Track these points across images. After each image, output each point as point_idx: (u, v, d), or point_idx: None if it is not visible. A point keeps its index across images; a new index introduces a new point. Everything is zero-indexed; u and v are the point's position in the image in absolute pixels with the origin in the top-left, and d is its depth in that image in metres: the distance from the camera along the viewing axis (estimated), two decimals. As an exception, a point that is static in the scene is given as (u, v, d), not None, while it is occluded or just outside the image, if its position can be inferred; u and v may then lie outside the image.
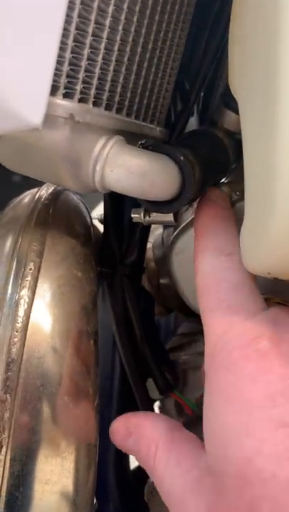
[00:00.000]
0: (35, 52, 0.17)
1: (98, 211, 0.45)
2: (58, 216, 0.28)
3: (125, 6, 0.23)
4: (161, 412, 0.39)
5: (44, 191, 0.30)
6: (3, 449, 0.22)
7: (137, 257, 0.34)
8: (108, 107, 0.24)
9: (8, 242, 0.25)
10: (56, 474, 0.23)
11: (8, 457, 0.22)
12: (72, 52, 0.20)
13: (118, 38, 0.23)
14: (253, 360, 0.19)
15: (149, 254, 0.41)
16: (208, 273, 0.23)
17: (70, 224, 0.28)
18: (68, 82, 0.20)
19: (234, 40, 0.23)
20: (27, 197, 0.29)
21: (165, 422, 0.23)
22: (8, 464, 0.22)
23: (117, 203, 0.35)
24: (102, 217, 0.42)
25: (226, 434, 0.18)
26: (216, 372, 0.20)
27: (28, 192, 0.30)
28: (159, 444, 0.22)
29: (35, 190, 0.30)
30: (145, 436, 0.22)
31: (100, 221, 0.42)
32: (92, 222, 0.35)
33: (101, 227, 0.42)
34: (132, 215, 0.27)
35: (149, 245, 0.42)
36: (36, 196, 0.29)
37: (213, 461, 0.19)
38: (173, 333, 0.48)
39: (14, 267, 0.24)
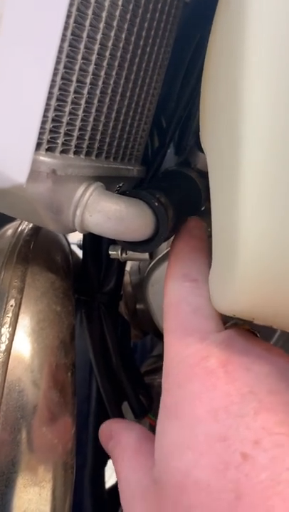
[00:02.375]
0: (21, 115, 0.19)
1: (77, 236, 0.47)
2: (39, 251, 0.29)
3: (104, 63, 0.24)
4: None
5: (25, 225, 0.31)
6: (-16, 480, 0.23)
7: (114, 285, 0.35)
8: (88, 154, 0.26)
9: (-10, 278, 0.27)
10: (34, 503, 0.24)
11: (-12, 488, 0.23)
12: (55, 110, 0.21)
13: (98, 91, 0.24)
14: (201, 378, 0.20)
15: (126, 278, 0.43)
16: (173, 296, 0.25)
17: (50, 258, 0.30)
18: (51, 137, 0.22)
19: (205, 95, 0.25)
20: (9, 230, 0.31)
21: (138, 432, 0.25)
22: (-12, 494, 0.23)
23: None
24: (81, 242, 0.43)
25: (170, 447, 0.20)
26: (168, 388, 0.21)
27: (11, 225, 0.31)
28: (127, 451, 0.23)
29: (18, 223, 0.31)
30: (120, 442, 0.24)
31: (79, 246, 0.43)
32: (71, 250, 0.36)
33: (79, 252, 0.43)
34: (110, 252, 0.28)
35: (126, 269, 0.44)
36: (18, 230, 0.30)
37: (158, 472, 0.20)
38: (150, 352, 0.50)
39: (-4, 303, 0.25)
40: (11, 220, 0.34)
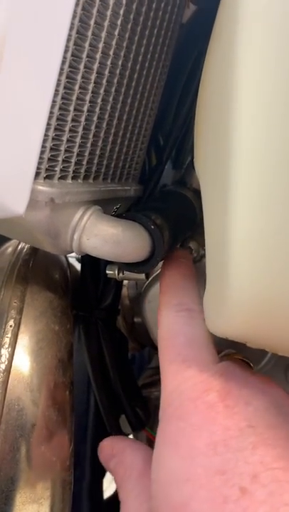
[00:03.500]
0: (20, 146, 0.19)
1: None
2: (38, 270, 0.30)
3: (101, 90, 0.25)
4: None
5: (24, 244, 0.31)
6: (-17, 499, 0.23)
7: (112, 301, 0.36)
8: (86, 177, 0.26)
9: (-10, 298, 0.27)
10: (33, 520, 0.24)
11: (-12, 506, 0.23)
12: (52, 140, 0.22)
13: (95, 118, 0.25)
14: (201, 411, 0.20)
15: (124, 292, 0.44)
16: (168, 327, 0.25)
17: (48, 276, 0.30)
18: (49, 166, 0.22)
19: (199, 123, 0.26)
20: (9, 248, 0.31)
21: (144, 453, 0.25)
22: (-12, 512, 0.23)
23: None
24: (79, 256, 0.44)
25: (168, 478, 0.20)
26: (168, 420, 0.22)
27: (10, 243, 0.32)
28: (132, 473, 0.24)
29: (17, 242, 0.32)
30: (124, 462, 0.25)
31: (78, 260, 0.44)
32: (69, 265, 0.37)
33: (77, 265, 0.44)
34: (107, 271, 0.29)
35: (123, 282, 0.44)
36: (18, 248, 0.31)
37: (155, 503, 0.21)
38: (148, 363, 0.50)
39: (-4, 323, 0.26)
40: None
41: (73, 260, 0.45)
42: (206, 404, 0.20)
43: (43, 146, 0.21)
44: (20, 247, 0.31)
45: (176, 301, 0.26)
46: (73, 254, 0.47)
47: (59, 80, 0.21)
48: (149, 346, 0.44)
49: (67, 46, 0.21)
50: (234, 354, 0.26)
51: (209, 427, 0.20)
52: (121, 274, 0.28)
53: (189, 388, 0.21)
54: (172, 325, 0.25)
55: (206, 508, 0.18)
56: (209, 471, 0.18)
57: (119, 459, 0.25)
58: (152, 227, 0.26)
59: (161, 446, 0.21)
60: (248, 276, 0.19)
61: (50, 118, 0.21)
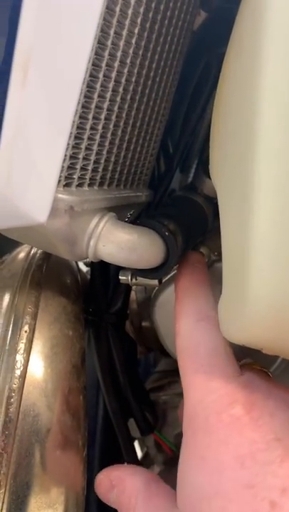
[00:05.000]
0: (43, 157, 0.20)
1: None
2: (51, 275, 0.30)
3: (118, 98, 0.25)
4: (141, 448, 0.42)
5: (37, 249, 0.32)
6: (0, 504, 0.24)
7: (121, 306, 0.36)
8: (101, 184, 0.26)
9: (5, 303, 0.27)
10: (48, 525, 0.25)
11: (4, 511, 0.24)
12: (72, 148, 0.22)
13: (111, 125, 0.25)
14: (227, 425, 0.20)
15: (132, 296, 0.44)
16: (188, 337, 0.25)
17: (61, 281, 0.30)
18: (68, 174, 0.22)
19: (215, 129, 0.26)
20: (21, 253, 0.31)
21: (144, 475, 0.25)
22: (4, 517, 0.24)
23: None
24: (88, 260, 0.44)
25: (197, 493, 0.20)
26: (193, 434, 0.21)
27: (22, 248, 0.32)
28: (138, 498, 0.23)
29: (29, 247, 0.32)
30: (126, 490, 0.24)
31: (86, 264, 0.44)
32: (79, 269, 0.37)
33: (85, 269, 0.44)
34: (120, 277, 0.29)
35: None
36: (31, 254, 0.31)
37: None
38: (154, 366, 0.51)
39: (11, 328, 0.26)
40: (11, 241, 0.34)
41: (81, 263, 0.45)
42: (232, 417, 0.20)
43: (64, 155, 0.21)
44: (32, 252, 0.31)
45: (194, 310, 0.26)
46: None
47: (80, 90, 0.21)
48: (156, 350, 0.44)
49: (89, 58, 0.21)
50: (252, 364, 0.26)
51: (235, 440, 0.20)
52: (134, 280, 0.29)
53: (214, 401, 0.21)
54: (192, 334, 0.25)
55: None
56: (238, 485, 0.18)
57: (120, 488, 0.25)
58: (166, 233, 0.26)
59: (187, 461, 0.21)
60: (267, 283, 0.20)
61: (71, 127, 0.21)
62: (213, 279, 0.33)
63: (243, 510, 0.18)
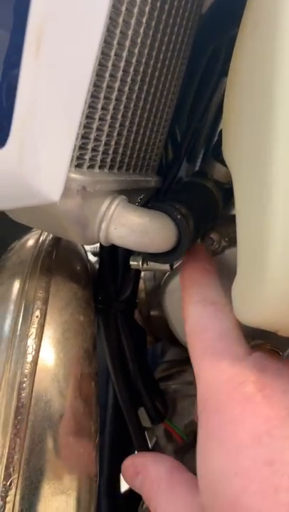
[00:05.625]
0: (57, 133, 0.19)
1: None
2: (61, 261, 0.30)
3: (128, 79, 0.25)
4: (150, 438, 0.41)
5: (46, 235, 0.31)
6: (13, 489, 0.23)
7: (131, 294, 0.36)
8: (111, 167, 0.26)
9: (15, 289, 0.27)
10: (61, 510, 0.24)
11: (18, 497, 0.23)
12: (84, 127, 0.22)
13: (122, 106, 0.25)
14: (240, 403, 0.20)
15: (141, 285, 0.43)
16: (195, 322, 0.25)
17: (71, 268, 0.30)
18: (80, 154, 0.22)
19: (229, 110, 0.25)
20: (30, 240, 0.31)
21: (167, 463, 0.25)
22: (18, 502, 0.23)
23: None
24: (95, 249, 0.43)
25: (216, 474, 0.20)
26: (208, 415, 0.22)
27: (31, 235, 0.32)
28: (161, 484, 0.24)
29: (38, 233, 0.32)
30: (149, 476, 0.24)
31: (93, 253, 0.44)
32: (88, 259, 0.37)
33: (93, 259, 0.44)
34: (131, 262, 0.29)
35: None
36: (40, 240, 0.31)
37: (206, 500, 0.21)
38: (161, 356, 0.50)
39: (22, 314, 0.26)
40: (16, 230, 0.34)
41: (89, 254, 0.45)
42: (244, 395, 0.20)
43: (77, 132, 0.21)
44: (42, 239, 0.31)
45: (200, 296, 0.26)
46: (89, 248, 0.47)
47: (93, 66, 0.20)
48: (165, 340, 0.44)
49: (103, 31, 0.20)
50: (263, 344, 0.26)
51: (251, 418, 0.20)
52: (145, 265, 0.28)
53: (225, 381, 0.21)
54: (200, 320, 0.25)
55: (258, 500, 0.18)
56: (257, 462, 0.18)
57: (144, 475, 0.25)
58: (178, 217, 0.26)
59: (205, 442, 0.21)
60: (285, 264, 0.19)
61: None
62: (223, 266, 0.33)
63: (265, 487, 0.18)
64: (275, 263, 0.20)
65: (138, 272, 0.36)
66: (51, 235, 0.31)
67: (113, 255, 0.36)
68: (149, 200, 0.33)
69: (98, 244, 0.39)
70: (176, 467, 0.24)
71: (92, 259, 0.44)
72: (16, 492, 0.23)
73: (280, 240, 0.19)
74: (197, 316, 0.25)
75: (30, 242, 0.31)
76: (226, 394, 0.21)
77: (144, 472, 0.25)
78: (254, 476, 0.18)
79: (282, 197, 0.19)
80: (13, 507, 0.23)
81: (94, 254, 0.43)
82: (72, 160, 0.21)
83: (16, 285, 0.27)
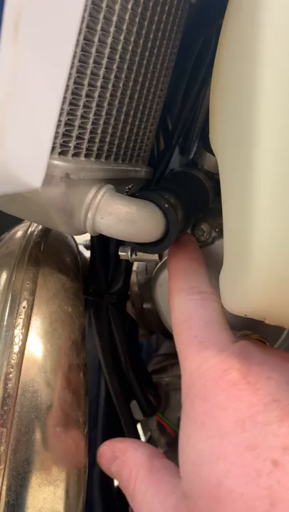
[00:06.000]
0: (36, 119, 0.19)
1: (84, 236, 0.47)
2: (49, 252, 0.29)
3: (114, 66, 0.24)
4: (144, 431, 0.41)
5: (35, 227, 0.31)
6: (0, 480, 0.23)
7: (122, 286, 0.36)
8: (98, 156, 0.26)
9: (2, 279, 0.27)
10: (49, 501, 0.24)
11: (4, 487, 0.23)
12: (67, 114, 0.22)
13: (108, 94, 0.25)
14: (224, 390, 0.21)
15: (133, 278, 0.43)
16: (182, 311, 0.25)
17: (60, 259, 0.30)
18: (64, 141, 0.22)
19: (215, 99, 0.25)
20: (19, 232, 0.31)
21: (147, 450, 0.25)
22: (4, 493, 0.23)
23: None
24: (87, 243, 0.43)
25: (199, 459, 0.20)
26: (191, 401, 0.22)
27: (20, 226, 0.32)
28: (140, 471, 0.23)
29: (27, 224, 0.31)
30: (128, 462, 0.24)
31: (85, 247, 0.44)
32: (79, 251, 0.37)
33: (86, 253, 0.44)
34: (119, 253, 0.29)
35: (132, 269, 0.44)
36: (28, 232, 0.30)
37: (188, 485, 0.21)
38: (156, 350, 0.50)
39: (8, 305, 0.26)
40: (14, 221, 0.34)
41: (81, 248, 0.44)
42: (229, 382, 0.20)
43: (58, 120, 0.21)
44: (30, 230, 0.31)
45: (186, 285, 0.26)
46: (81, 241, 0.46)
47: (74, 52, 0.20)
48: (158, 332, 0.44)
49: (82, 17, 0.20)
50: (250, 335, 0.26)
51: (234, 404, 0.20)
52: (134, 256, 0.28)
53: (210, 368, 0.22)
54: (185, 308, 0.25)
55: (241, 484, 0.18)
56: (239, 447, 0.19)
57: (122, 460, 0.25)
58: (166, 206, 0.26)
59: (188, 427, 0.21)
60: (269, 252, 0.19)
61: (65, 91, 0.20)
62: (213, 257, 0.32)
63: (247, 471, 0.18)
64: (260, 252, 0.19)
65: (129, 263, 0.36)
66: (40, 227, 0.31)
67: (104, 247, 0.36)
68: (139, 191, 0.33)
69: (90, 238, 0.39)
70: (155, 454, 0.24)
71: (85, 252, 0.43)
72: (2, 483, 0.23)
73: (263, 228, 0.19)
74: (183, 304, 0.25)
75: (19, 233, 0.30)
76: (210, 381, 0.21)
77: (123, 457, 0.25)
78: (237, 461, 0.18)
79: (265, 186, 0.19)
80: (0, 498, 0.23)
81: (86, 247, 0.43)
82: (55, 147, 0.21)
83: (3, 276, 0.27)
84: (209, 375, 0.21)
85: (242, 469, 0.18)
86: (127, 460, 0.24)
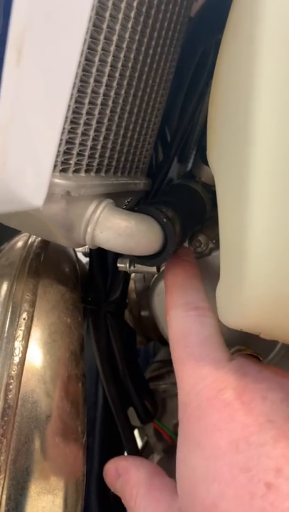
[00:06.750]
0: (39, 140, 0.19)
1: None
2: (49, 263, 0.30)
3: (114, 83, 0.25)
4: (141, 436, 0.42)
5: (35, 237, 0.32)
6: (0, 489, 0.24)
7: (120, 295, 0.36)
8: (98, 171, 0.26)
9: (3, 291, 0.27)
10: (48, 510, 0.25)
11: (4, 496, 0.24)
12: (68, 133, 0.22)
13: (108, 111, 0.25)
14: (219, 410, 0.21)
15: (131, 285, 0.44)
16: (178, 327, 0.25)
17: (59, 270, 0.30)
18: (65, 159, 0.22)
19: (213, 114, 0.26)
20: (19, 242, 0.31)
21: (147, 469, 0.25)
22: (4, 502, 0.24)
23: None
24: (86, 250, 0.44)
25: (194, 479, 0.20)
26: (188, 420, 0.22)
27: (20, 237, 0.32)
28: (140, 489, 0.24)
29: (27, 235, 0.32)
30: (130, 481, 0.25)
31: (84, 254, 0.44)
32: (77, 259, 0.37)
33: (84, 260, 0.44)
34: (118, 265, 0.29)
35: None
36: (28, 242, 0.31)
37: (184, 504, 0.21)
38: (153, 356, 0.51)
39: (9, 316, 0.26)
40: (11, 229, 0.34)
41: (80, 254, 0.45)
42: (223, 402, 0.21)
43: (60, 139, 0.21)
44: (30, 240, 0.31)
45: (182, 301, 0.26)
46: (80, 249, 0.47)
47: (76, 73, 0.21)
48: (155, 340, 0.44)
49: (84, 39, 0.20)
50: (243, 350, 0.26)
51: (228, 425, 0.20)
52: (132, 268, 0.29)
53: (205, 388, 0.22)
54: (182, 325, 0.25)
55: (235, 505, 0.18)
56: (234, 469, 0.19)
57: (125, 478, 0.26)
58: (164, 220, 0.26)
59: (185, 447, 0.21)
60: (265, 268, 0.20)
61: (67, 111, 0.21)
62: (210, 268, 0.33)
63: (241, 493, 0.18)
64: (255, 266, 0.20)
65: (127, 273, 0.37)
66: (40, 237, 0.32)
67: (103, 257, 0.36)
68: (138, 202, 0.33)
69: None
70: (156, 472, 0.25)
71: (83, 259, 0.44)
72: (2, 492, 0.24)
73: (259, 243, 0.19)
74: (179, 320, 0.25)
75: (19, 244, 0.31)
76: (205, 400, 0.21)
77: (126, 475, 0.25)
78: (231, 483, 0.19)
79: (261, 202, 0.19)
80: (0, 506, 0.24)
81: (85, 255, 0.43)
82: (56, 165, 0.22)
83: (4, 287, 0.27)
84: (204, 394, 0.21)
85: (236, 491, 0.18)
86: (129, 479, 0.25)
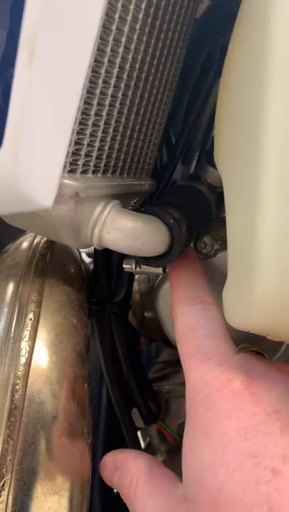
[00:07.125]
0: (49, 140, 0.19)
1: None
2: (55, 263, 0.30)
3: (122, 84, 0.25)
4: (143, 437, 0.42)
5: (40, 238, 0.32)
6: (6, 490, 0.24)
7: (124, 296, 0.36)
8: (105, 172, 0.26)
9: (9, 291, 0.27)
10: (53, 511, 0.25)
11: (11, 497, 0.24)
12: (77, 134, 0.22)
13: (115, 112, 0.25)
14: (228, 400, 0.21)
15: (135, 286, 0.44)
16: (185, 321, 0.26)
17: (65, 270, 0.30)
18: (73, 160, 0.22)
19: (221, 116, 0.26)
20: (25, 243, 0.31)
21: (147, 459, 0.26)
22: (10, 503, 0.24)
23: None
24: (90, 251, 0.44)
25: (202, 465, 0.21)
26: (196, 410, 0.22)
27: (25, 237, 0.32)
28: (140, 478, 0.24)
29: (32, 235, 0.32)
30: (129, 471, 0.25)
31: (88, 255, 0.44)
32: (82, 260, 0.37)
33: (88, 260, 0.44)
34: (124, 266, 0.29)
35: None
36: (34, 243, 0.31)
37: (190, 490, 0.21)
38: (156, 357, 0.51)
39: (15, 316, 0.26)
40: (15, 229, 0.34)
41: (84, 255, 0.45)
42: (232, 392, 0.21)
43: (70, 139, 0.21)
44: (36, 241, 0.31)
45: (188, 296, 0.27)
46: (84, 250, 0.47)
47: (86, 73, 0.21)
48: (159, 341, 0.44)
49: (95, 39, 0.21)
50: (249, 347, 0.26)
51: (237, 414, 0.20)
52: (138, 268, 0.29)
53: (214, 379, 0.22)
54: (188, 319, 0.26)
55: (241, 490, 0.19)
56: (241, 455, 0.19)
57: (123, 469, 0.26)
58: (171, 221, 0.26)
59: (192, 435, 0.22)
60: (274, 269, 0.20)
61: (76, 111, 0.21)
62: (216, 269, 0.33)
63: (247, 478, 0.19)
64: (265, 267, 0.20)
65: (132, 274, 0.37)
66: (45, 238, 0.32)
67: (107, 258, 0.36)
68: (143, 203, 0.33)
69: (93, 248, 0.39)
70: (155, 463, 0.25)
71: (87, 260, 0.44)
72: (8, 493, 0.24)
73: (268, 245, 0.19)
74: (186, 315, 0.26)
75: (25, 245, 0.31)
76: (214, 390, 0.22)
77: (123, 467, 0.25)
78: (238, 468, 0.19)
79: (271, 203, 0.19)
80: (6, 507, 0.24)
81: (89, 255, 0.43)
82: (65, 166, 0.22)
83: (10, 287, 0.27)
84: (213, 385, 0.22)
85: (242, 476, 0.19)
86: (127, 469, 0.25)
